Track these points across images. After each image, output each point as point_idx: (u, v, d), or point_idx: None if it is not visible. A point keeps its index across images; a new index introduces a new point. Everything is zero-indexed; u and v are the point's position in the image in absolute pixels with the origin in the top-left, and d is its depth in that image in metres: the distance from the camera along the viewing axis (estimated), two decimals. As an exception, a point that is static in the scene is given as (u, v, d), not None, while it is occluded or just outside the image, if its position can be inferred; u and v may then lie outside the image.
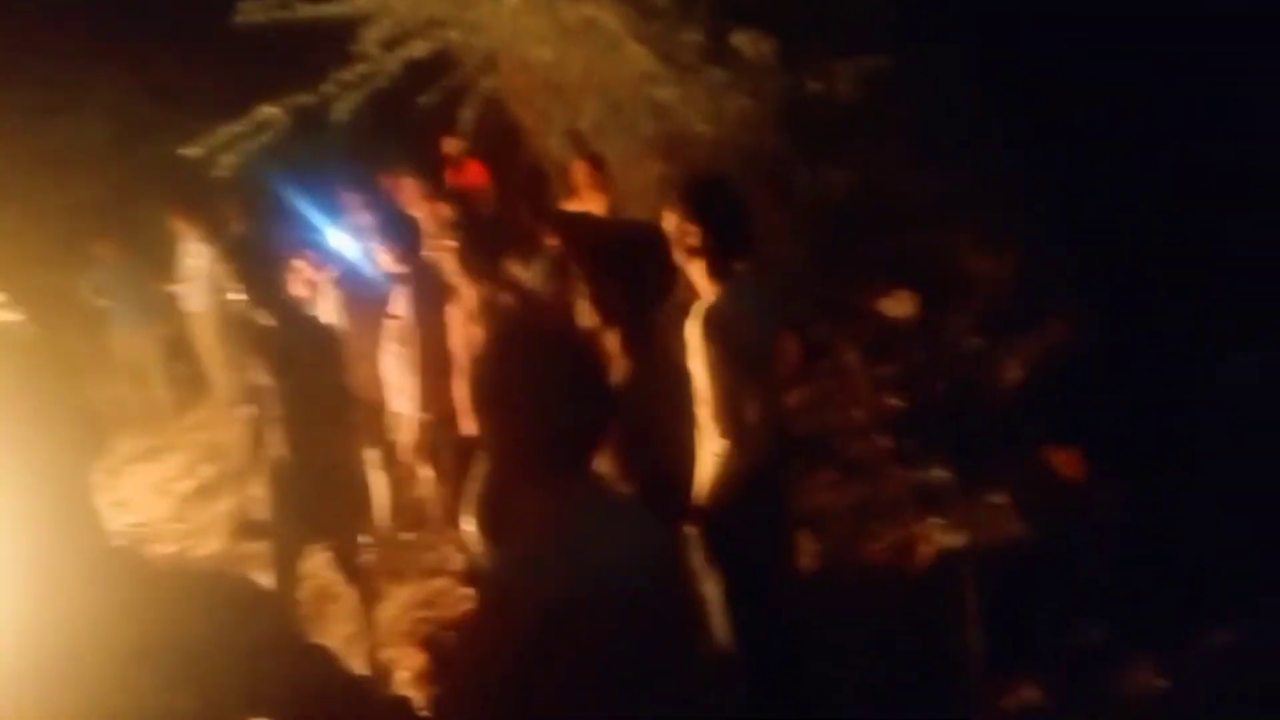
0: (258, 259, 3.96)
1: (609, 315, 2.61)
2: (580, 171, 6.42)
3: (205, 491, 6.75)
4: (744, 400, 2.93)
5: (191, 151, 5.97)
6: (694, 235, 2.99)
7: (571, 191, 6.75)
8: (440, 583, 4.90)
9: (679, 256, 3.01)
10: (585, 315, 2.62)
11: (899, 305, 7.45)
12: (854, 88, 7.02)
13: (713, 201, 3.07)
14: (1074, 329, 5.93)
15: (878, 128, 7.35)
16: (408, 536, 5.34)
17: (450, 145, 8.54)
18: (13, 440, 2.57)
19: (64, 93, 8.46)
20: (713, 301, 2.99)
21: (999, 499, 4.45)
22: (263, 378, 3.92)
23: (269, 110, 5.93)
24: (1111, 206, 5.83)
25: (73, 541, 2.13)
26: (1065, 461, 3.91)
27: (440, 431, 4.43)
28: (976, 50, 7.49)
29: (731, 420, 2.90)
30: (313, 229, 5.53)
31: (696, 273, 3.05)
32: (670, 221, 3.04)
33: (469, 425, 4.22)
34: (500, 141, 8.00)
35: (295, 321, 4.04)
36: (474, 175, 8.81)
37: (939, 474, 5.00)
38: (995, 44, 7.60)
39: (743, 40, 6.58)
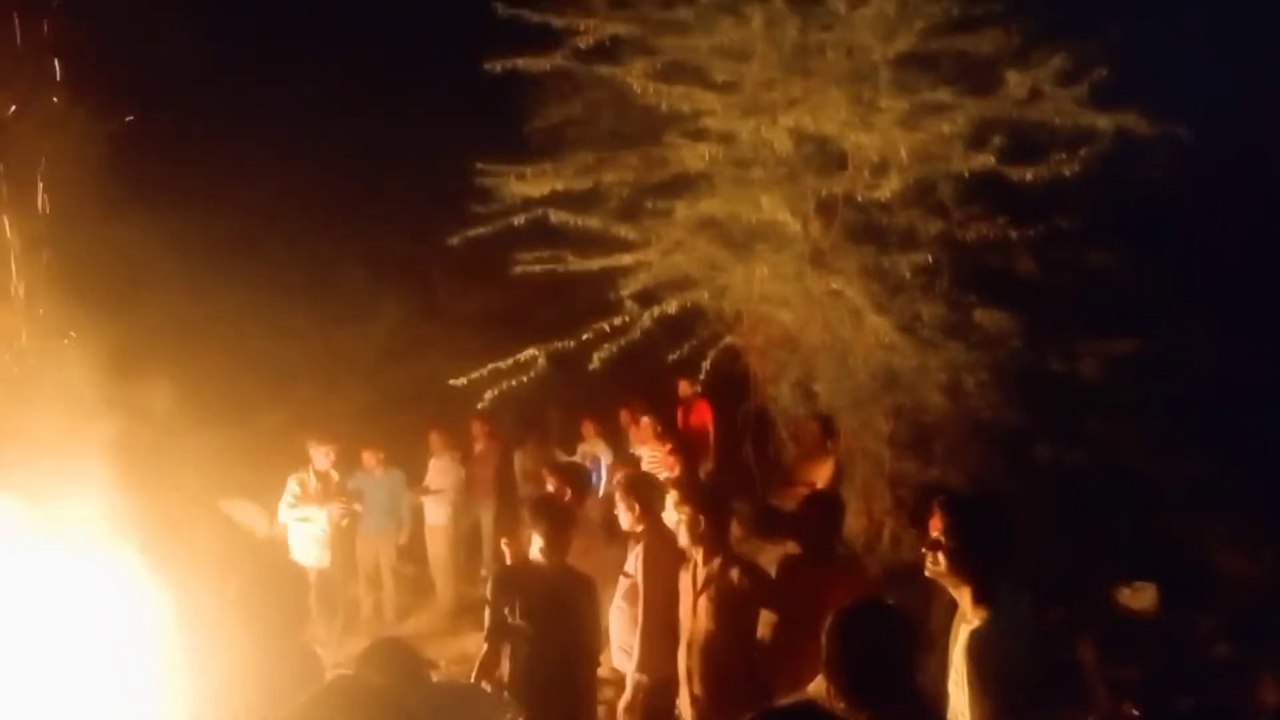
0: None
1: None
2: (810, 433, 6.56)
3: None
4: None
5: (456, 383, 6.51)
6: (963, 560, 2.81)
7: (801, 449, 6.86)
8: None
9: (944, 577, 2.87)
10: None
11: (1140, 597, 6.93)
12: (1099, 367, 6.86)
13: (983, 524, 2.88)
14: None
15: (1123, 408, 7.09)
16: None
17: (684, 388, 8.94)
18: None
19: (352, 307, 9.45)
20: (979, 625, 2.78)
21: None
22: (515, 617, 4.15)
23: (531, 351, 6.42)
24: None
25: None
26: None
27: (657, 697, 4.41)
28: (1233, 334, 7.21)
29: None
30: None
31: (964, 598, 2.86)
32: (936, 534, 2.86)
33: (684, 697, 4.20)
34: (730, 386, 8.23)
35: (557, 566, 4.25)
36: (700, 416, 9.13)
37: (1183, 813, 4.50)
38: (1255, 330, 7.31)
39: (986, 316, 6.61)
